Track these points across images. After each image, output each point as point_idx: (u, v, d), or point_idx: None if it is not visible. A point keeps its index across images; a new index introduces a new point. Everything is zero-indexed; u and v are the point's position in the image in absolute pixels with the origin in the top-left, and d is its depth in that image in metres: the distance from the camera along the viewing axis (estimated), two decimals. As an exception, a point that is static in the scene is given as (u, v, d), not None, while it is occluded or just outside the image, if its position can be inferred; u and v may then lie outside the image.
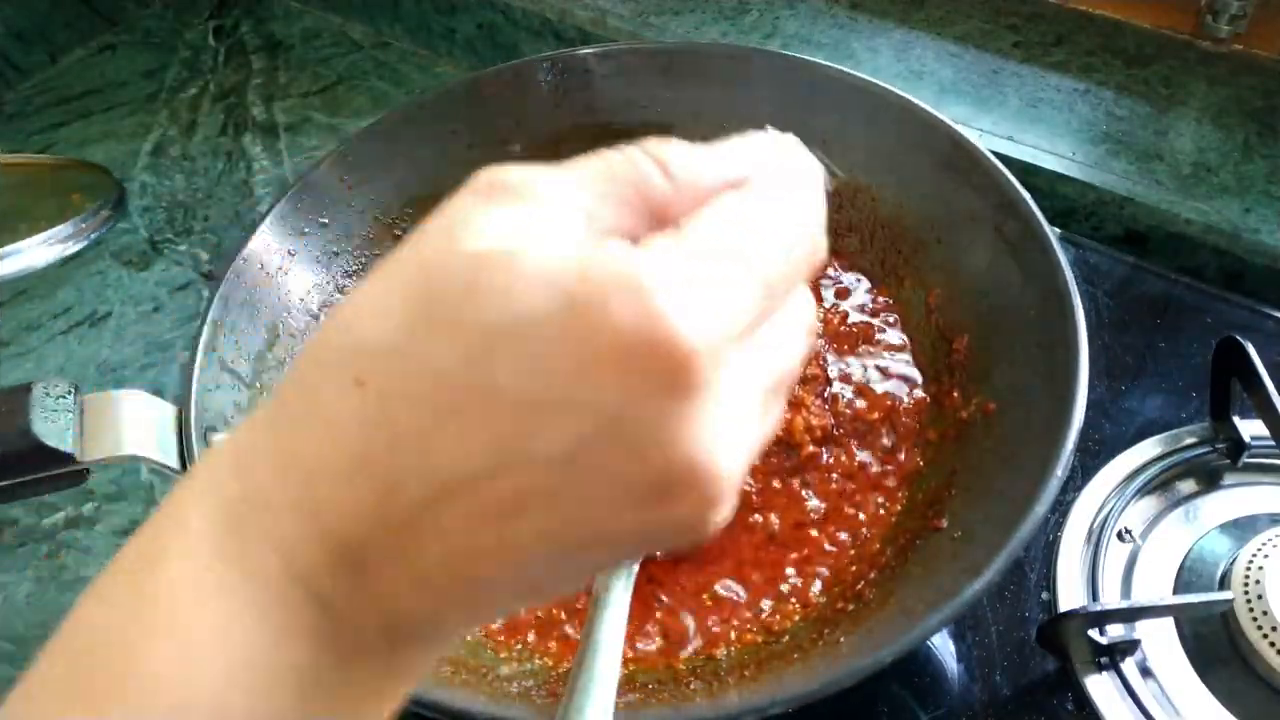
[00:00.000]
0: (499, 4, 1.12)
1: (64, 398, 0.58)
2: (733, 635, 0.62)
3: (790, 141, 0.32)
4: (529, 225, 0.24)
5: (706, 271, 0.25)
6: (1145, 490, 0.69)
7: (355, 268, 0.78)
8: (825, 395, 0.71)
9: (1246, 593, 0.61)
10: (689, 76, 0.82)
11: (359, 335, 0.25)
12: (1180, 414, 0.74)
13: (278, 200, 0.74)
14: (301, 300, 0.74)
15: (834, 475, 0.68)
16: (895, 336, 0.75)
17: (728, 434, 0.25)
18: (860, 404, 0.71)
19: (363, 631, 0.27)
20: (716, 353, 0.24)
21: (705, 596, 0.64)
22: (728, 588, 0.64)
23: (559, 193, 0.26)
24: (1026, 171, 0.90)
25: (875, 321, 0.76)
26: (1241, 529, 0.67)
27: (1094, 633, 0.61)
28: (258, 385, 0.69)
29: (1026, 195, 0.68)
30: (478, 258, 0.24)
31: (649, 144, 0.28)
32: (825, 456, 0.69)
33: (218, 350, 0.67)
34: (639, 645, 0.62)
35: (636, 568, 0.61)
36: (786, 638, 0.61)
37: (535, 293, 0.23)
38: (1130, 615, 0.61)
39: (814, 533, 0.66)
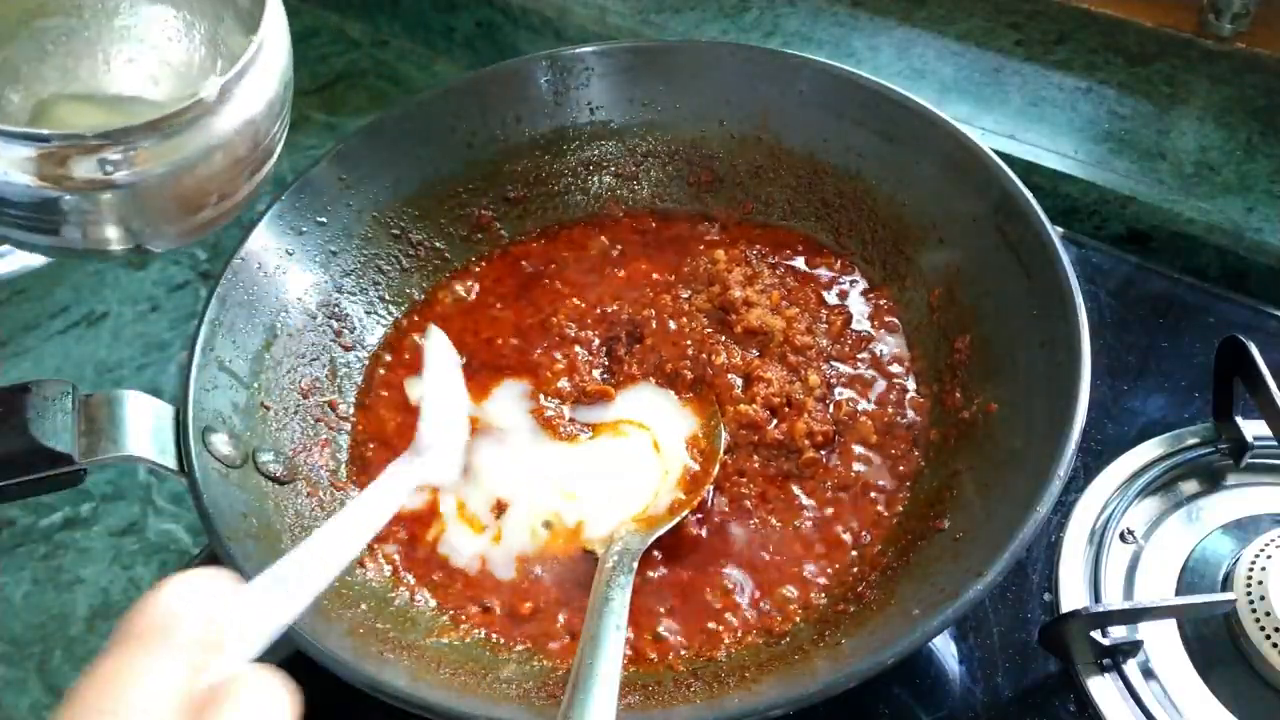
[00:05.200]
0: (498, 2, 1.11)
1: (61, 398, 0.57)
2: (733, 637, 0.62)
3: None
4: None
5: None
6: (1148, 491, 0.69)
7: (353, 266, 0.77)
8: (826, 399, 0.71)
9: (1249, 593, 0.61)
10: (689, 75, 0.81)
11: None
12: (1183, 414, 0.74)
13: (275, 199, 0.74)
14: (299, 299, 0.74)
15: (834, 478, 0.68)
16: (896, 338, 0.75)
17: None
18: (861, 407, 0.71)
19: None
20: None
21: (706, 598, 0.63)
22: (728, 589, 0.64)
23: None
24: (1028, 170, 0.89)
25: (876, 323, 0.76)
26: (1244, 530, 0.67)
27: (1096, 634, 0.61)
28: (255, 385, 0.68)
29: (1028, 194, 0.67)
30: None
31: None
32: (826, 460, 0.68)
33: (215, 350, 0.66)
34: (640, 646, 0.61)
35: (636, 567, 0.61)
36: (787, 639, 0.61)
37: None
38: (1132, 616, 0.61)
39: (814, 535, 0.66)
